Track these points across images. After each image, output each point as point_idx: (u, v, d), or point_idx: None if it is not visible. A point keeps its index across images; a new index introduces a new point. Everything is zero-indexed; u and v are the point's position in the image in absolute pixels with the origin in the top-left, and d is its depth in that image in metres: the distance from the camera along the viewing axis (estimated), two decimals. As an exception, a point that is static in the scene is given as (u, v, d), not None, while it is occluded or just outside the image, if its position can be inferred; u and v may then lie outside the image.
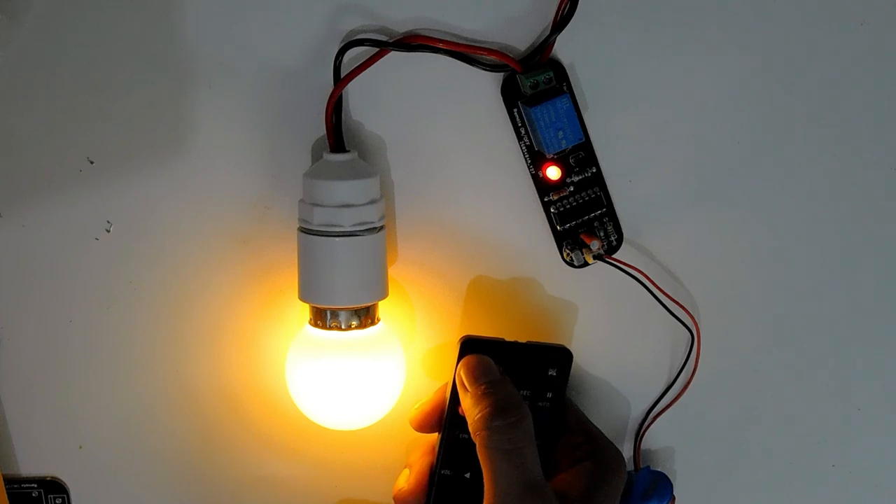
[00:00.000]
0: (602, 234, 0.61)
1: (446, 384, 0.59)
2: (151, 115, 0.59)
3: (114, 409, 0.63)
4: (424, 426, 0.60)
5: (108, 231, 0.61)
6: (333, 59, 0.57)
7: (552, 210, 0.60)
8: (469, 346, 0.58)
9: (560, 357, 0.58)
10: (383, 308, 0.60)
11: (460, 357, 0.57)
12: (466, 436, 0.57)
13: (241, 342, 0.62)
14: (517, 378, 0.58)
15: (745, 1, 0.58)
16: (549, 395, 0.58)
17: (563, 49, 0.58)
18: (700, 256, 0.62)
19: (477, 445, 0.55)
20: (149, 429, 0.64)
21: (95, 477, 0.64)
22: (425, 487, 0.58)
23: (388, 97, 0.59)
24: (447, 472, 0.58)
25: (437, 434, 0.59)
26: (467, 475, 0.58)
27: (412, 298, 0.62)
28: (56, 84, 0.59)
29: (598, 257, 0.61)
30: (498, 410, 0.55)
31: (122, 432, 0.64)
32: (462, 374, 0.57)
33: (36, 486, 0.64)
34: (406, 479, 0.59)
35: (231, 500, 0.65)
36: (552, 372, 0.58)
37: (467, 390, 0.57)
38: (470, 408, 0.56)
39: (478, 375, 0.57)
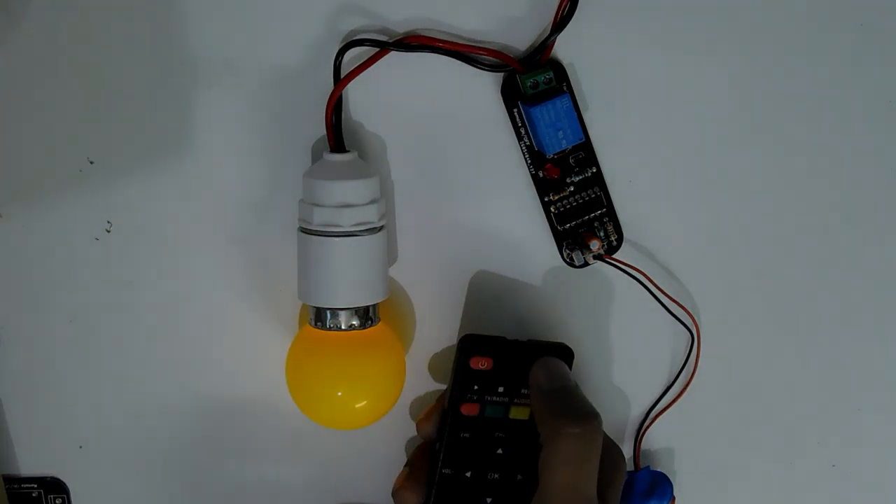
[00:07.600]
0: (602, 234, 0.61)
1: (447, 388, 0.58)
2: (151, 115, 0.59)
3: (114, 409, 0.63)
4: (432, 434, 0.59)
5: (108, 231, 0.61)
6: (333, 59, 0.57)
7: (552, 210, 0.60)
8: (469, 343, 0.58)
9: (561, 355, 0.58)
10: (383, 308, 0.60)
11: (460, 355, 0.57)
12: (467, 435, 0.57)
13: (240, 342, 0.62)
14: (518, 376, 0.57)
15: (745, 1, 0.58)
16: (549, 394, 0.58)
17: (563, 49, 0.58)
18: (700, 256, 0.62)
19: (543, 449, 0.53)
20: (149, 429, 0.63)
21: (95, 477, 0.64)
22: (425, 486, 0.58)
23: (388, 97, 0.59)
24: (447, 471, 0.58)
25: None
26: (468, 474, 0.58)
27: (412, 298, 0.62)
28: (56, 84, 0.59)
29: (598, 257, 0.61)
30: (574, 417, 0.54)
31: (122, 432, 0.64)
32: (538, 373, 0.56)
33: (36, 486, 0.64)
34: (406, 478, 0.59)
35: (231, 499, 0.65)
36: (552, 370, 0.58)
37: (541, 391, 0.55)
38: (543, 410, 0.55)
39: (556, 377, 0.56)
